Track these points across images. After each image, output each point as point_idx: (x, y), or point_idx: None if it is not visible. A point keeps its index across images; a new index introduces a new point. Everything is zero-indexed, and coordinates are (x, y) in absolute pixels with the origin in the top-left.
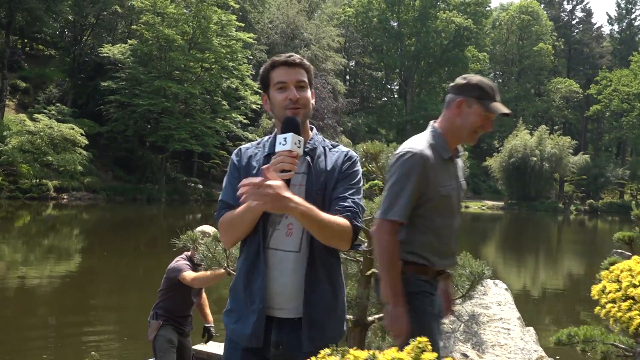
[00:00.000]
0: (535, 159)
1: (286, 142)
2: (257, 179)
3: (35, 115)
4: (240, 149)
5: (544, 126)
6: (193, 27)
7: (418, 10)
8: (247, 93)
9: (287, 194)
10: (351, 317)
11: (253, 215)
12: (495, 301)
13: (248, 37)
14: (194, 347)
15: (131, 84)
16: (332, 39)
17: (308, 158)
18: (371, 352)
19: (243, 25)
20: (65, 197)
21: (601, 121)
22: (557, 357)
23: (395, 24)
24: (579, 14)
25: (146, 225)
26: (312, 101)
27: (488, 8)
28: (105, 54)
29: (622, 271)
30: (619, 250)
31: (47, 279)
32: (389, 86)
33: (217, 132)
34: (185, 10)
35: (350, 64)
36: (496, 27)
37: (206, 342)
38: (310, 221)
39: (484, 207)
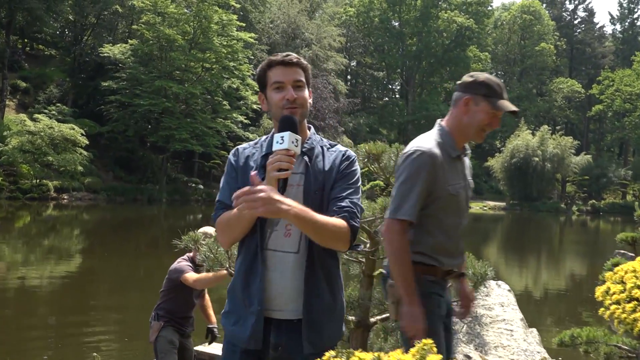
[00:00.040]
0: (537, 159)
1: (283, 140)
2: (246, 188)
3: (36, 116)
4: (237, 149)
5: (546, 126)
6: (194, 27)
7: (419, 10)
8: (248, 93)
9: (279, 196)
10: (353, 318)
11: (250, 216)
12: (498, 302)
13: (249, 37)
14: (196, 348)
15: (132, 84)
16: (334, 38)
17: (306, 158)
18: (376, 354)
19: (244, 25)
20: (65, 197)
21: (603, 121)
22: (560, 358)
23: (397, 23)
24: (581, 13)
25: (147, 226)
26: (310, 100)
27: (490, 8)
28: (105, 54)
29: (626, 272)
30: (622, 251)
31: (48, 279)
32: (390, 86)
33: (218, 132)
34: (186, 10)
35: (352, 64)
36: (498, 27)
37: (209, 343)
38: (304, 223)
39: (485, 208)
